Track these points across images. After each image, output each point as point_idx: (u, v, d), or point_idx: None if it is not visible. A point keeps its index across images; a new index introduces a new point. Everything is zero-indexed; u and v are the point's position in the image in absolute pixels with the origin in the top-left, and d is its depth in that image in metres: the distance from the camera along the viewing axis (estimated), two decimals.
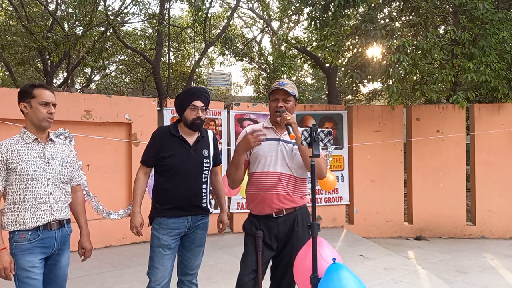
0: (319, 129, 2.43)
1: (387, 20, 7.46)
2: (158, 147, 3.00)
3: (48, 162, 2.55)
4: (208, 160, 3.06)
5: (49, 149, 2.60)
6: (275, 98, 2.83)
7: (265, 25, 15.17)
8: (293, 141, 2.83)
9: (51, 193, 2.53)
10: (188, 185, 2.96)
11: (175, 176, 2.95)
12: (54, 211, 2.54)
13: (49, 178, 2.54)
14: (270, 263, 2.89)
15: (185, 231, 2.99)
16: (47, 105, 2.56)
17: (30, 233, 2.45)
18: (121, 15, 13.41)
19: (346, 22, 8.91)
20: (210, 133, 3.18)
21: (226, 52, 11.97)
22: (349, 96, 18.35)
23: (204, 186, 3.03)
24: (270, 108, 2.87)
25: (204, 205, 3.04)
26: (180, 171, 2.95)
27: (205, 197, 3.05)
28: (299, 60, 13.09)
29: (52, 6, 12.90)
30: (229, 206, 7.10)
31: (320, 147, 2.43)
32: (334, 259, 2.25)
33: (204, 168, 3.03)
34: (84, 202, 2.91)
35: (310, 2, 7.75)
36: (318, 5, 7.53)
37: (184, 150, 2.99)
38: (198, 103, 2.99)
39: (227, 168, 2.93)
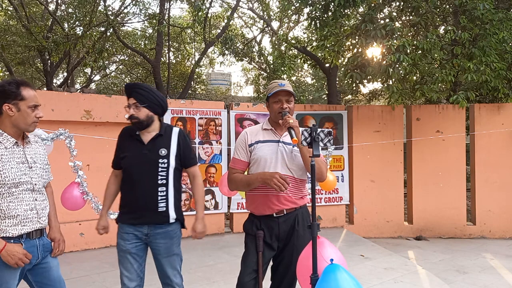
0: (319, 129, 2.41)
1: (387, 20, 7.46)
2: (118, 148, 2.91)
3: (30, 167, 2.40)
4: (165, 160, 2.77)
5: (29, 152, 2.43)
6: (277, 99, 2.79)
7: (265, 25, 15.16)
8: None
9: (36, 199, 2.41)
10: (141, 188, 2.76)
11: (128, 178, 2.80)
12: (40, 217, 2.42)
13: (35, 184, 2.40)
14: (271, 263, 2.89)
15: (144, 237, 2.81)
16: (36, 108, 2.39)
17: (12, 241, 2.31)
18: (121, 15, 13.41)
19: (346, 22, 8.91)
20: (175, 130, 2.88)
21: (226, 52, 11.97)
22: (349, 96, 18.34)
23: (161, 188, 2.77)
24: (273, 110, 2.82)
25: (161, 209, 2.76)
26: (132, 172, 2.78)
27: (163, 201, 2.76)
28: (299, 60, 13.08)
29: (52, 6, 12.90)
30: (229, 206, 7.12)
31: (320, 147, 2.43)
32: (331, 260, 2.25)
33: (160, 169, 2.76)
34: (53, 194, 2.70)
35: (310, 2, 7.75)
36: (318, 5, 7.53)
37: (137, 150, 2.80)
38: (130, 101, 2.78)
39: (232, 174, 2.82)
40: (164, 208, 2.76)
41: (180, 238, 2.88)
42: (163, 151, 2.78)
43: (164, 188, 2.77)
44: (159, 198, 2.75)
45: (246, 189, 2.79)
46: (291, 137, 2.58)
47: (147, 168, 2.75)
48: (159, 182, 2.77)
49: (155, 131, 2.83)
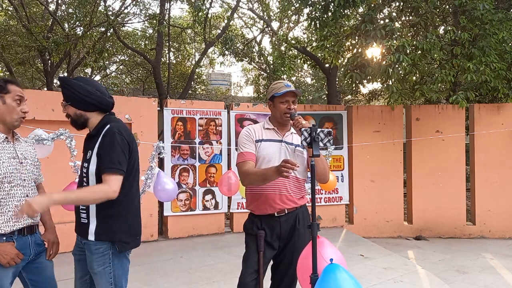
0: (319, 129, 2.42)
1: (387, 20, 7.46)
2: None
3: (21, 163, 2.42)
4: (86, 165, 2.41)
5: (19, 148, 2.47)
6: (285, 100, 2.78)
7: (265, 26, 15.15)
8: (295, 143, 2.83)
9: (27, 195, 2.41)
10: None
11: None
12: None
13: (24, 180, 2.42)
14: (271, 262, 2.89)
15: (83, 247, 2.49)
16: (21, 102, 2.41)
17: (4, 238, 2.33)
18: (122, 16, 13.40)
19: (346, 22, 8.91)
20: (105, 129, 2.42)
21: (226, 52, 11.96)
22: (349, 96, 18.33)
23: None
24: (279, 110, 2.80)
25: (83, 221, 2.40)
26: None
27: (83, 212, 2.40)
28: (299, 60, 13.08)
29: (52, 6, 12.89)
30: (229, 206, 7.12)
31: (320, 147, 2.43)
32: (331, 260, 2.25)
33: (84, 174, 2.42)
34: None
35: (310, 2, 7.75)
36: (318, 6, 7.54)
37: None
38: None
39: (244, 167, 2.72)
40: (86, 220, 2.38)
41: (107, 256, 2.38)
42: (88, 154, 2.41)
43: None
44: (80, 207, 2.41)
45: (262, 183, 2.68)
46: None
47: (79, 174, 2.48)
48: None
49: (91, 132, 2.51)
